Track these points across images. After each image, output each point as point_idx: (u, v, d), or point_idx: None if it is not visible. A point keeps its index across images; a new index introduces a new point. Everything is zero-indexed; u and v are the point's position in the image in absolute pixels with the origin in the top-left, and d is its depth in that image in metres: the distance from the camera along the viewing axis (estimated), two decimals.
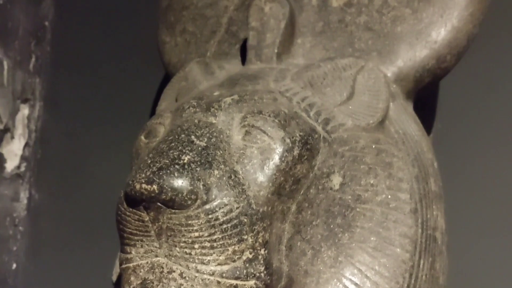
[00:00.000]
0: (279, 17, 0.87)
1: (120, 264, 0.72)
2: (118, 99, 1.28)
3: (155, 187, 0.66)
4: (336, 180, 0.76)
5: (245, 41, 0.94)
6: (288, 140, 0.72)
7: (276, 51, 0.86)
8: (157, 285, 0.67)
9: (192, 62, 0.93)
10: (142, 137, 0.79)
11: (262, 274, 0.69)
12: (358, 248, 0.74)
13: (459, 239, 0.90)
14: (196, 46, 1.00)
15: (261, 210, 0.70)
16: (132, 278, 0.69)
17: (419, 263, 0.76)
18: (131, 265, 0.70)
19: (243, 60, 0.93)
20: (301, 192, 0.74)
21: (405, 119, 0.83)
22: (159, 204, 0.67)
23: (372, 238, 0.75)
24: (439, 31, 0.83)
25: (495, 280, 0.96)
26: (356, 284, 0.74)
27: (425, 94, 0.90)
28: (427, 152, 0.84)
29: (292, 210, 0.74)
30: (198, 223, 0.67)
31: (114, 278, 0.92)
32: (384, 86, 0.80)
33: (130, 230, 0.70)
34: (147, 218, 0.68)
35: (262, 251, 0.69)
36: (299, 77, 0.81)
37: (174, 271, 0.67)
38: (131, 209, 0.69)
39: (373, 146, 0.77)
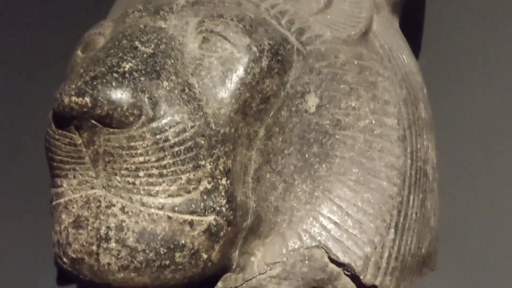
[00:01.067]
0: None
1: (51, 201, 0.60)
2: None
3: (87, 99, 0.53)
4: (311, 102, 0.64)
5: None
6: (254, 49, 0.60)
7: None
8: (93, 223, 0.55)
9: None
10: (79, 52, 0.66)
11: (224, 209, 0.57)
12: (337, 182, 0.64)
13: (449, 178, 0.80)
14: None
15: (221, 131, 0.57)
16: (63, 216, 0.57)
17: (408, 198, 0.66)
18: (62, 200, 0.58)
19: None
20: (271, 114, 0.62)
21: (391, 34, 0.72)
22: (93, 121, 0.54)
23: (353, 170, 0.64)
24: None
25: (489, 224, 0.86)
26: (335, 223, 0.63)
27: (409, 25, 0.79)
28: (416, 74, 0.73)
29: (260, 135, 0.62)
30: (143, 145, 0.54)
31: None
32: None
33: (60, 157, 0.57)
34: (79, 141, 0.55)
35: (223, 181, 0.57)
36: None
37: (114, 205, 0.55)
38: (60, 131, 0.56)
39: (355, 63, 0.66)
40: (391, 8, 0.74)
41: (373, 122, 0.66)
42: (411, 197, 0.67)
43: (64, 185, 0.58)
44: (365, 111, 0.66)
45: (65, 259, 0.57)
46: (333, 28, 0.66)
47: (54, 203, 0.59)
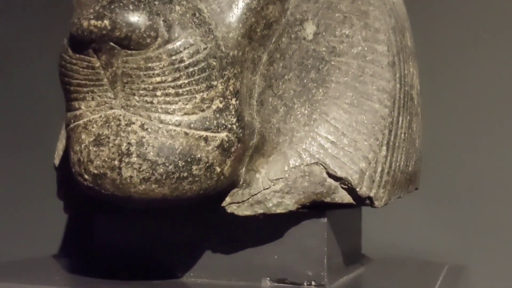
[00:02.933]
0: None
1: (67, 125, 0.63)
2: None
3: (106, 22, 0.56)
4: (309, 29, 0.68)
5: None
6: None
7: None
8: (114, 140, 0.58)
9: None
10: None
11: (234, 126, 0.61)
12: (333, 105, 0.68)
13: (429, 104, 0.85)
14: None
15: (231, 53, 0.61)
16: (83, 136, 0.60)
17: (398, 119, 0.71)
18: (80, 122, 0.60)
19: None
20: (273, 40, 0.66)
21: None
22: (112, 44, 0.57)
23: (348, 93, 0.68)
24: None
25: (466, 149, 0.93)
26: (332, 142, 0.67)
27: None
28: (402, 5, 0.78)
29: (263, 60, 0.66)
30: (160, 66, 0.57)
31: (57, 162, 0.82)
32: None
33: (77, 81, 0.60)
34: (98, 64, 0.58)
35: (233, 101, 0.61)
36: None
37: (133, 123, 0.58)
38: (78, 55, 0.59)
39: None
40: None
41: (365, 48, 0.69)
42: (400, 118, 0.71)
43: (82, 107, 0.60)
44: (357, 39, 0.69)
45: (86, 176, 0.60)
46: None
47: (72, 125, 0.62)
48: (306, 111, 0.68)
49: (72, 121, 0.62)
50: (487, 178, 0.93)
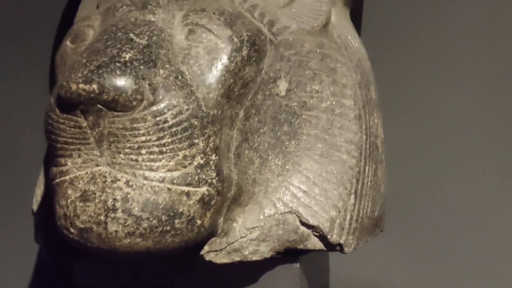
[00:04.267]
0: None
1: (53, 179, 0.65)
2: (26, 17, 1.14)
3: (94, 86, 0.59)
4: (282, 86, 0.73)
5: None
6: (236, 40, 0.67)
7: None
8: (100, 196, 0.61)
9: None
10: (68, 42, 0.71)
11: (214, 181, 0.65)
12: (305, 156, 0.72)
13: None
14: None
15: (211, 113, 0.65)
16: (69, 192, 0.63)
17: (364, 169, 0.76)
18: (67, 177, 0.63)
19: None
20: (249, 98, 0.70)
21: (345, 25, 0.81)
22: (99, 106, 0.60)
23: (318, 145, 0.72)
24: None
25: (425, 191, 0.98)
26: (304, 191, 0.71)
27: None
28: (367, 60, 0.83)
29: (240, 116, 0.70)
30: (145, 126, 0.61)
31: (35, 207, 0.84)
32: None
33: (64, 139, 0.63)
34: (85, 124, 0.61)
35: (213, 157, 0.65)
36: None
37: (119, 180, 0.61)
38: (65, 115, 0.62)
39: (318, 51, 0.75)
40: (344, 1, 0.83)
41: (334, 103, 0.74)
42: (367, 168, 0.76)
43: (69, 163, 0.63)
44: (326, 94, 0.74)
45: (72, 230, 0.63)
46: (299, 20, 0.75)
47: (57, 180, 0.64)
48: (280, 162, 0.72)
49: (58, 176, 0.64)
50: (451, 216, 0.99)
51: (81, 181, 0.62)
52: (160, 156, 0.61)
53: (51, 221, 0.68)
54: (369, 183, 0.76)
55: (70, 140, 0.62)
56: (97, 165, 0.62)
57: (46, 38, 1.06)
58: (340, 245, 0.72)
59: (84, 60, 0.61)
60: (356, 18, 0.97)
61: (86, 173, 0.62)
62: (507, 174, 0.99)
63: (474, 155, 1.00)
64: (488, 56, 1.01)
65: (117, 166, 0.61)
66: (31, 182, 0.87)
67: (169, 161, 0.62)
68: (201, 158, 0.64)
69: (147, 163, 0.61)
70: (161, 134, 0.61)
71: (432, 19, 1.02)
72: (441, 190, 0.98)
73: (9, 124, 1.14)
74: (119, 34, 0.64)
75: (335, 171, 0.72)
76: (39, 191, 0.84)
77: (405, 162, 0.99)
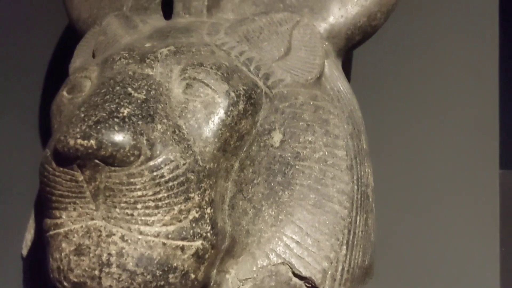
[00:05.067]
0: None
1: (47, 231, 0.65)
2: (17, 60, 1.15)
3: (92, 142, 0.59)
4: (276, 137, 0.74)
5: None
6: (232, 94, 0.68)
7: (206, 3, 0.81)
8: (95, 250, 0.61)
9: (110, 16, 0.85)
10: (64, 93, 0.72)
11: (209, 234, 0.65)
12: (298, 206, 0.73)
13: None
14: (110, 0, 0.93)
15: (207, 166, 0.66)
16: (63, 245, 0.63)
17: (356, 219, 0.77)
18: (61, 230, 0.63)
19: (165, 15, 0.87)
20: (244, 149, 0.71)
21: (337, 77, 0.83)
22: (96, 161, 0.60)
23: (311, 196, 0.73)
24: None
25: (414, 238, 1.00)
26: (297, 242, 0.72)
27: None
28: (358, 110, 0.85)
29: (235, 167, 0.70)
30: (142, 181, 0.61)
31: (25, 252, 0.84)
32: (319, 42, 0.79)
33: (60, 192, 0.63)
34: (81, 178, 0.61)
35: (208, 210, 0.65)
36: (233, 31, 0.77)
37: (114, 234, 0.61)
38: (62, 169, 0.62)
39: (311, 103, 0.76)
40: (336, 54, 0.84)
41: (326, 153, 0.75)
42: (358, 218, 0.77)
43: (64, 216, 0.63)
44: (319, 144, 0.75)
45: (65, 283, 0.62)
46: (293, 73, 0.76)
47: (51, 232, 0.64)
48: (273, 213, 0.72)
49: (52, 228, 0.64)
50: (439, 262, 1.00)
51: (75, 235, 0.62)
52: (156, 211, 0.62)
53: (41, 267, 0.68)
54: (360, 233, 0.77)
55: (66, 193, 0.63)
56: (92, 219, 0.62)
57: (39, 82, 1.06)
58: None
59: (82, 115, 0.62)
60: (347, 66, 0.99)
61: (81, 226, 0.62)
62: (494, 222, 1.01)
63: (462, 203, 1.01)
64: (473, 105, 1.03)
65: (112, 220, 0.62)
66: (21, 224, 0.86)
67: (165, 216, 0.62)
68: (196, 212, 0.64)
69: (143, 218, 0.62)
70: (158, 189, 0.62)
71: (422, 69, 1.04)
72: (429, 235, 0.99)
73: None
74: (117, 88, 0.65)
75: (327, 222, 0.73)
76: (29, 235, 0.83)
77: (394, 209, 1.00)
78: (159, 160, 0.62)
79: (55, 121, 0.71)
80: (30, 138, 1.03)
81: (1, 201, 1.14)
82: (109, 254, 0.61)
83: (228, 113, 0.68)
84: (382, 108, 1.04)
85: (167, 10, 0.86)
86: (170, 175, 0.62)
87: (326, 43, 0.83)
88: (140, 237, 0.61)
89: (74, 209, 0.63)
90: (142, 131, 0.62)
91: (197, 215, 0.64)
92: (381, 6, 0.84)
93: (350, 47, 0.86)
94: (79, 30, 0.95)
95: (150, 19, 0.86)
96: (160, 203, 0.62)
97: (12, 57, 1.15)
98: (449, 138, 1.03)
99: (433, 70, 1.04)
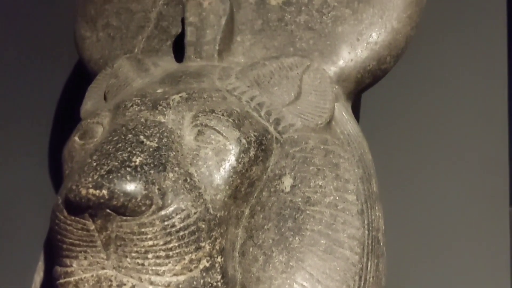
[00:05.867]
0: (220, 13, 0.83)
1: (57, 279, 0.65)
2: (27, 98, 1.16)
3: (104, 192, 0.59)
4: (287, 182, 0.73)
5: (177, 37, 0.90)
6: (244, 141, 0.69)
7: (217, 48, 0.82)
8: None
9: (122, 58, 0.86)
10: (76, 138, 0.72)
11: (219, 284, 0.65)
12: (308, 252, 0.72)
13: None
14: (122, 41, 0.94)
15: (218, 215, 0.65)
16: None
17: (367, 265, 0.76)
18: (72, 279, 0.63)
19: (177, 57, 0.88)
20: (255, 195, 0.71)
21: (347, 120, 0.83)
22: (108, 211, 0.60)
23: (322, 241, 0.73)
24: (380, 32, 0.83)
25: (425, 281, 0.99)
26: None
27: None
28: (368, 153, 0.84)
29: (246, 214, 0.70)
30: (153, 231, 0.61)
31: None
32: (329, 86, 0.80)
33: (71, 240, 0.63)
34: (93, 227, 0.61)
35: (219, 259, 0.65)
36: (244, 76, 0.78)
37: (124, 284, 0.61)
38: (73, 217, 0.62)
39: (322, 147, 0.76)
40: (346, 97, 0.85)
41: (337, 198, 0.75)
42: (369, 263, 0.76)
43: (74, 265, 0.63)
44: (330, 189, 0.75)
45: None
46: (303, 118, 0.76)
47: (62, 281, 0.64)
48: (284, 259, 0.72)
49: (63, 276, 0.64)
50: None
51: (86, 284, 0.62)
52: (167, 261, 0.62)
53: None
54: (371, 278, 0.76)
55: (77, 242, 0.62)
56: (103, 268, 0.62)
57: (48, 124, 1.07)
58: None
59: (95, 163, 0.62)
60: (356, 106, 0.99)
61: (92, 275, 0.62)
62: (504, 260, 1.00)
63: (473, 244, 1.01)
64: (483, 145, 1.03)
65: (123, 270, 0.61)
66: (30, 266, 0.86)
67: (175, 265, 0.62)
68: (207, 261, 0.64)
69: (153, 268, 0.61)
70: (168, 239, 0.61)
71: (431, 109, 1.05)
72: (441, 277, 0.98)
73: (9, 207, 1.14)
74: (130, 136, 0.65)
75: (338, 268, 0.72)
76: (38, 277, 0.83)
77: (405, 251, 1.00)
78: (170, 209, 0.62)
79: (67, 167, 0.72)
80: (40, 178, 1.04)
81: (11, 241, 1.14)
82: None
83: (239, 160, 0.68)
84: (392, 149, 1.04)
85: (178, 50, 0.87)
86: (181, 225, 0.62)
87: (336, 87, 0.83)
88: (150, 287, 0.61)
89: (85, 258, 0.62)
90: (154, 180, 0.62)
91: (207, 264, 0.64)
92: (390, 50, 0.84)
93: (359, 90, 0.87)
94: (90, 71, 0.95)
95: (162, 61, 0.86)
96: (170, 253, 0.62)
97: (23, 96, 1.17)
98: (459, 177, 1.03)
99: (442, 111, 1.05)
